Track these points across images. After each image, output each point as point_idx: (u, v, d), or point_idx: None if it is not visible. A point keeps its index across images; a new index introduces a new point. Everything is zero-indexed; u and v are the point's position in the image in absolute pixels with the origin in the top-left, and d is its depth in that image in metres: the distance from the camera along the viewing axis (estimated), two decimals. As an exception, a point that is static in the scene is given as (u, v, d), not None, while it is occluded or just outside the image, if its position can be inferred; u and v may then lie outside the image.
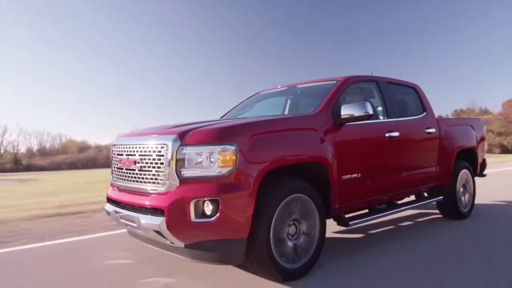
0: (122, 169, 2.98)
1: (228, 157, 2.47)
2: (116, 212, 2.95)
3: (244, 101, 4.69)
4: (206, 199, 2.45)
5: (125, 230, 4.56)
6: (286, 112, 4.29)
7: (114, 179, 3.18)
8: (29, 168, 71.23)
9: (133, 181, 2.84)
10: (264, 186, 2.60)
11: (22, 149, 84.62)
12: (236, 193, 2.46)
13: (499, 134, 59.69)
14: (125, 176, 2.94)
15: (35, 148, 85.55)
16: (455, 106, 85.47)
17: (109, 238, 4.39)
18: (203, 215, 2.46)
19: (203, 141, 2.52)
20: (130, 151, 2.88)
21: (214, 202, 2.43)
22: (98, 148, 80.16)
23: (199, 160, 2.50)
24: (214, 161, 2.48)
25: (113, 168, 3.20)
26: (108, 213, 3.14)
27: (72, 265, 3.32)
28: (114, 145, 3.21)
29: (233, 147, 2.49)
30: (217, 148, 2.48)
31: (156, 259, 3.38)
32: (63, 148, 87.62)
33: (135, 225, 2.71)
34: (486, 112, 70.21)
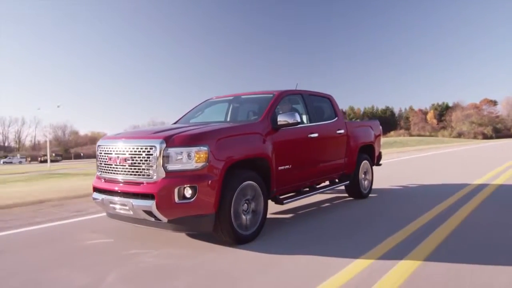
0: (111, 165, 3.74)
1: (202, 155, 3.43)
2: (106, 199, 3.72)
3: (196, 106, 5.60)
4: (186, 186, 3.38)
5: (89, 217, 5.26)
6: (232, 117, 5.28)
7: (101, 173, 3.92)
8: (78, 156, 75.96)
9: (124, 174, 3.63)
10: (227, 176, 3.61)
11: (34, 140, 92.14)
12: (208, 181, 3.43)
13: (480, 125, 79.79)
14: (115, 171, 3.71)
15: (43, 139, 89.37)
16: (438, 100, 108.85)
17: (78, 224, 4.99)
18: (184, 197, 3.39)
19: (183, 143, 3.44)
20: (120, 151, 3.66)
21: (193, 188, 3.37)
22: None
23: (180, 157, 3.42)
24: (191, 158, 3.42)
25: (99, 164, 3.93)
26: (96, 200, 3.88)
27: (58, 246, 3.96)
28: (99, 145, 3.95)
29: (205, 148, 3.45)
30: (194, 149, 3.42)
31: (130, 237, 4.15)
32: (75, 139, 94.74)
33: (126, 207, 3.53)
34: (457, 106, 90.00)
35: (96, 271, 3.12)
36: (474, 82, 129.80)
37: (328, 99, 6.00)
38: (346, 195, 6.50)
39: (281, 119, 4.32)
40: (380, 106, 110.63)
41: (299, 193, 4.98)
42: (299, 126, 4.71)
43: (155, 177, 3.42)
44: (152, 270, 3.10)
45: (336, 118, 5.87)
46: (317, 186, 5.48)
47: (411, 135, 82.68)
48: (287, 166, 4.49)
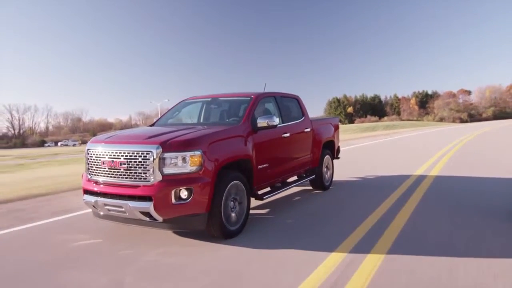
0: (104, 168, 3.87)
1: (196, 159, 3.70)
2: (100, 201, 3.86)
3: (173, 107, 5.76)
4: (182, 188, 3.64)
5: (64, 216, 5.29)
6: (211, 119, 5.50)
7: (91, 175, 4.03)
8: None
9: (118, 177, 3.79)
10: (218, 177, 3.91)
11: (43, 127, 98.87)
12: (202, 183, 3.72)
13: (457, 111, 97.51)
14: (109, 174, 3.85)
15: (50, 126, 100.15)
16: (418, 88, 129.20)
17: (54, 225, 5.00)
18: (180, 198, 3.65)
19: (178, 148, 3.68)
20: (114, 155, 3.81)
21: (189, 189, 3.64)
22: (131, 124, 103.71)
23: (176, 161, 3.66)
24: (186, 162, 3.67)
25: (90, 167, 4.03)
26: (88, 202, 4.00)
27: (48, 250, 4.02)
28: (89, 149, 4.05)
29: (199, 152, 3.72)
30: (189, 153, 3.68)
31: (116, 236, 4.30)
32: (83, 125, 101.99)
33: (122, 209, 3.71)
34: (436, 94, 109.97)
35: (106, 272, 3.28)
36: (450, 71, 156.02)
37: (296, 100, 6.44)
38: (310, 188, 7.03)
39: (261, 121, 4.67)
40: (369, 94, 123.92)
41: (273, 188, 5.40)
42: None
43: (152, 180, 3.63)
44: (161, 269, 3.32)
45: (304, 117, 6.34)
46: (288, 181, 5.94)
47: (401, 120, 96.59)
48: (265, 165, 4.88)
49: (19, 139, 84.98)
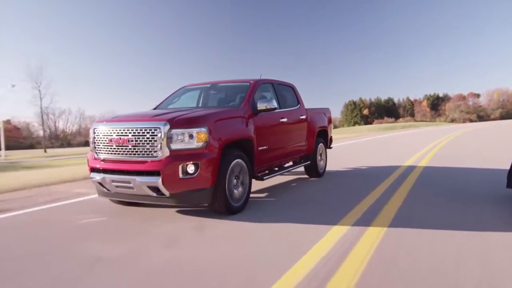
0: (111, 146, 3.98)
1: (202, 135, 3.84)
2: (108, 177, 3.96)
3: (173, 93, 5.88)
4: (189, 163, 3.78)
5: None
6: (210, 103, 5.66)
7: (98, 154, 4.13)
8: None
9: (126, 154, 3.90)
10: (222, 154, 4.06)
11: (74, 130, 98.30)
12: (208, 159, 3.86)
13: (467, 113, 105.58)
14: (116, 151, 3.96)
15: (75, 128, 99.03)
16: (429, 91, 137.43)
17: (60, 208, 5.06)
18: (187, 173, 3.79)
19: (185, 125, 3.82)
20: (122, 133, 3.92)
21: (195, 164, 3.78)
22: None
23: (183, 138, 3.80)
24: (193, 138, 3.81)
25: (97, 146, 4.13)
26: (95, 179, 4.09)
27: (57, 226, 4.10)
28: (96, 128, 4.15)
29: (205, 129, 3.86)
30: (195, 130, 3.82)
31: (119, 215, 4.39)
32: None
33: (130, 185, 3.83)
34: (447, 96, 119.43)
35: (125, 243, 3.37)
36: (460, 75, 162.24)
37: (291, 88, 6.63)
38: (305, 176, 7.22)
39: (261, 104, 4.84)
40: (383, 97, 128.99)
41: (271, 171, 5.56)
42: (273, 111, 5.28)
43: (159, 156, 3.76)
44: (178, 237, 3.46)
45: (299, 105, 6.53)
46: (285, 166, 6.12)
47: (415, 121, 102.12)
48: (265, 147, 5.04)
49: (58, 141, 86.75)
